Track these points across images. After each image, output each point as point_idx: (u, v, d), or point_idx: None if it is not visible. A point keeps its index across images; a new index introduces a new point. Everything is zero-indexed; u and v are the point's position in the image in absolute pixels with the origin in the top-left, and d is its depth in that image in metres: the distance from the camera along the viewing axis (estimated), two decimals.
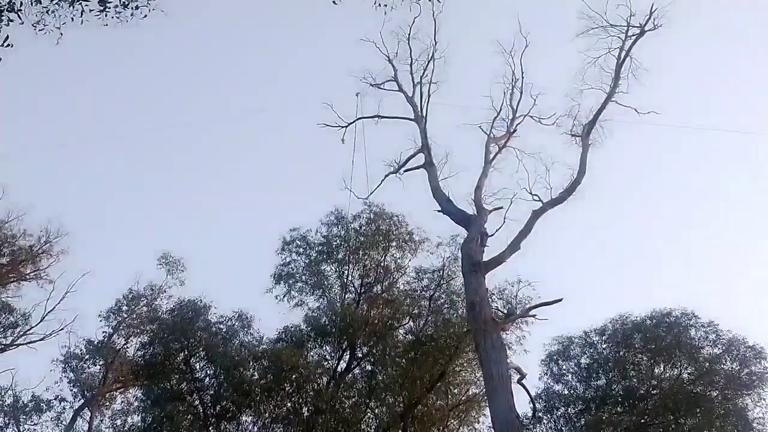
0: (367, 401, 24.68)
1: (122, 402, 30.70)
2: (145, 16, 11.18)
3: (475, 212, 19.26)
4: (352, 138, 23.15)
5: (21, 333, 29.86)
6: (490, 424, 15.78)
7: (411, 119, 22.46)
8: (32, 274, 30.50)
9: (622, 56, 19.49)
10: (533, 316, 18.70)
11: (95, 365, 31.00)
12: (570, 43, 20.05)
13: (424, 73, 22.64)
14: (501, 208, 19.62)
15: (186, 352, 24.87)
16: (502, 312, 22.26)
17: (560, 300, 16.62)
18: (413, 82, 23.09)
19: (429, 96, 21.87)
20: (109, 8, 10.63)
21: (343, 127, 23.08)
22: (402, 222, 28.33)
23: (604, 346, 25.80)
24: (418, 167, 21.53)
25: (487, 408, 17.24)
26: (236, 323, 26.41)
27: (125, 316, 30.84)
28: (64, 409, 29.96)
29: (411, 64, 23.11)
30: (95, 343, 30.81)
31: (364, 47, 23.11)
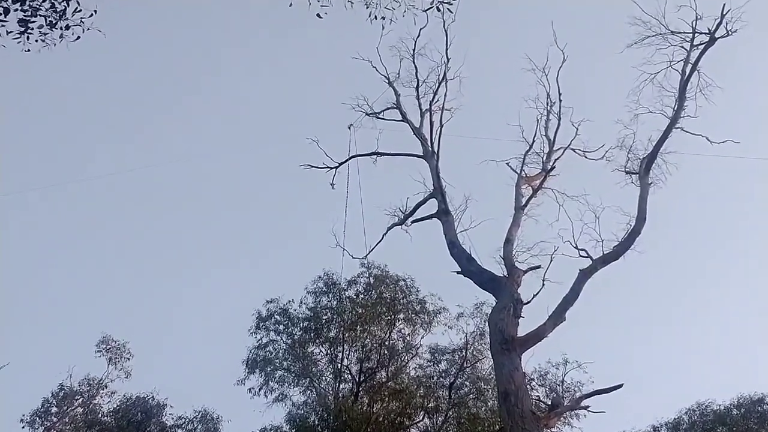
0: None
1: None
2: (78, 38, 11.11)
3: (506, 273, 19.34)
4: (345, 181, 23.48)
5: None
6: None
7: (419, 156, 22.74)
8: None
9: (688, 70, 19.43)
10: (586, 407, 17.97)
11: None
12: (620, 57, 20.15)
13: (434, 98, 22.94)
14: (539, 267, 19.57)
15: None
16: (545, 403, 22.31)
17: (620, 386, 16.33)
18: (421, 109, 23.51)
19: (441, 126, 21.91)
20: (32, 30, 10.65)
21: (332, 168, 23.41)
22: (411, 287, 28.59)
23: None
24: (429, 217, 21.68)
25: None
26: (199, 426, 25.93)
27: (55, 420, 30.19)
28: None
29: (417, 87, 23.51)
30: None
31: (358, 67, 23.60)
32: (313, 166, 23.38)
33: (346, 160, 23.70)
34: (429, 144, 22.45)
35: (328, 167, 23.53)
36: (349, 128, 23.95)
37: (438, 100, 22.98)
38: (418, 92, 23.70)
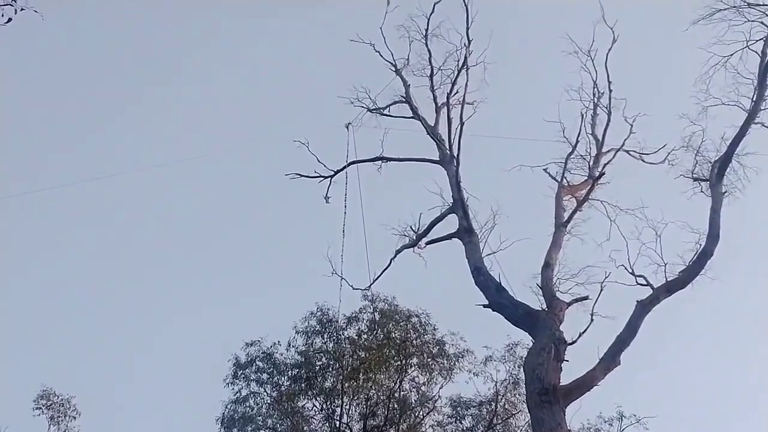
0: None
1: None
2: (10, 20, 10.97)
3: (544, 306, 19.33)
4: (342, 194, 23.62)
5: None
6: None
7: (434, 161, 22.81)
8: None
9: None
10: None
11: None
12: (684, 35, 20.03)
13: (452, 89, 22.70)
14: (586, 298, 19.54)
15: None
16: None
17: None
18: (436, 103, 23.53)
19: (462, 124, 21.26)
20: None
21: (326, 177, 23.48)
22: (426, 325, 28.49)
23: None
24: (449, 237, 21.65)
25: None
26: None
27: None
28: None
29: (431, 76, 23.54)
30: None
31: (358, 52, 23.59)
32: (302, 176, 23.27)
33: (344, 168, 23.79)
34: (447, 146, 22.32)
35: (321, 176, 23.48)
36: (347, 127, 24.08)
37: (457, 92, 22.76)
38: (432, 82, 23.65)
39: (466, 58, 22.38)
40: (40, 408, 29.80)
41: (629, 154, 22.95)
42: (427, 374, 27.66)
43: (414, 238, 22.23)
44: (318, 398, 27.40)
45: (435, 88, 23.63)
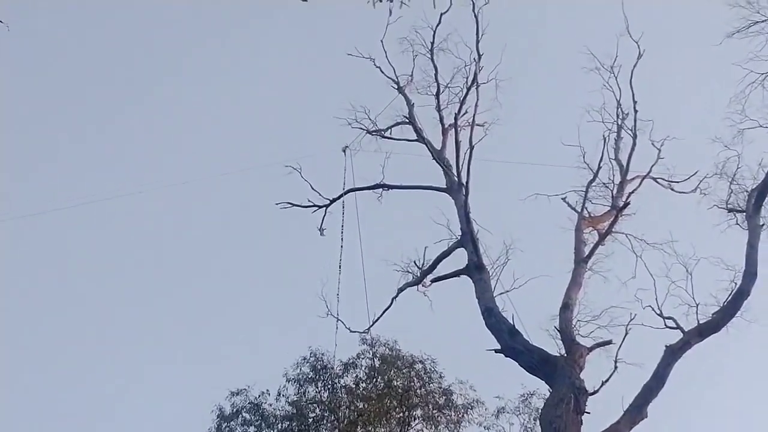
0: None
1: None
2: None
3: (563, 351, 19.30)
4: (339, 224, 23.49)
5: None
6: None
7: (441, 189, 22.83)
8: None
9: None
10: None
11: None
12: (717, 50, 20.09)
13: (461, 110, 22.82)
14: (610, 342, 19.59)
15: None
16: None
17: None
18: (443, 124, 23.62)
19: (471, 148, 21.01)
20: None
21: (321, 207, 23.46)
22: (431, 372, 28.31)
23: None
24: (456, 273, 21.57)
25: None
26: None
27: None
28: None
29: (438, 94, 23.65)
30: None
31: (357, 68, 24.07)
32: (294, 205, 23.26)
33: (341, 196, 23.69)
34: (454, 172, 22.25)
35: (315, 206, 23.40)
36: (344, 151, 24.14)
37: (466, 112, 22.92)
38: (438, 101, 23.76)
39: (476, 74, 22.54)
40: None
41: (657, 181, 23.02)
42: (433, 427, 27.37)
43: (418, 274, 22.08)
44: None
45: (441, 107, 23.73)
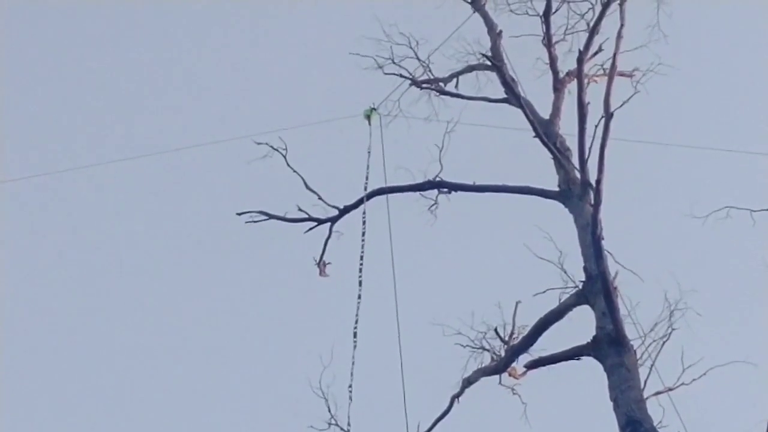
0: None
1: None
2: None
3: None
4: (352, 251, 17.68)
5: None
6: None
7: (548, 194, 17.29)
8: None
9: None
10: None
11: None
12: None
13: (589, 43, 17.01)
14: None
15: None
16: None
17: None
18: (555, 72, 18.40)
19: (610, 116, 14.94)
20: None
21: (323, 222, 18.06)
22: None
23: None
24: (574, 353, 15.57)
25: None
26: None
27: None
28: None
29: (547, 14, 17.93)
30: None
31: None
32: (271, 217, 17.89)
33: (359, 202, 17.97)
34: (575, 163, 16.65)
35: (310, 219, 17.90)
36: (369, 117, 18.68)
37: (601, 49, 17.67)
38: (548, 26, 17.89)
39: None
40: None
41: None
42: None
43: (501, 353, 16.30)
44: None
45: (554, 40, 18.13)
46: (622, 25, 16.43)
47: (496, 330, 16.20)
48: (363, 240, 17.34)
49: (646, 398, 14.58)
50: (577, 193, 16.44)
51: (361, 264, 17.07)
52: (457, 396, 16.40)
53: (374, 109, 18.70)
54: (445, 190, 17.73)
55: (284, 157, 17.63)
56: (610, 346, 14.68)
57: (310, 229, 17.91)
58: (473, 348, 16.43)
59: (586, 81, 16.67)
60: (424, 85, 19.00)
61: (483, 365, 16.39)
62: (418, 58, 18.86)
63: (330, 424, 15.82)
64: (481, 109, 18.80)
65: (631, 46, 17.76)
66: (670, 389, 14.94)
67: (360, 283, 16.82)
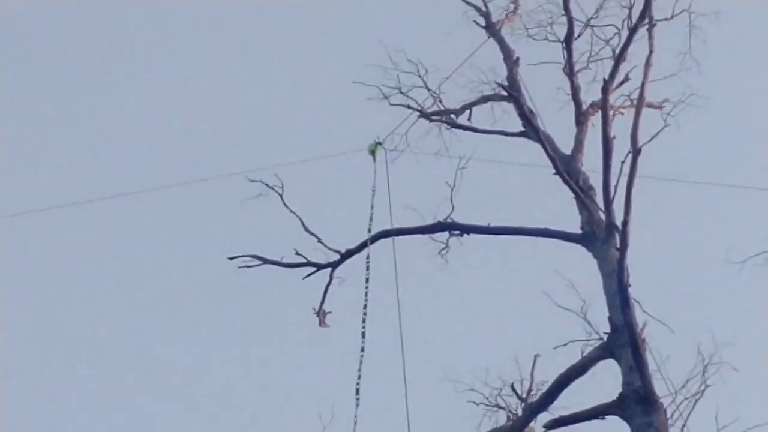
0: None
1: None
2: None
3: None
4: (351, 305, 17.55)
5: None
6: None
7: (569, 236, 16.74)
8: None
9: None
10: None
11: None
12: None
13: (615, 72, 16.87)
14: None
15: None
16: None
17: None
18: (577, 103, 17.92)
19: (638, 152, 14.67)
20: None
21: (322, 267, 17.46)
22: None
23: None
24: (599, 412, 14.74)
25: None
26: None
27: None
28: None
29: (568, 39, 17.69)
30: None
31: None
32: (268, 262, 17.12)
33: (362, 246, 17.27)
34: (600, 203, 15.86)
35: (309, 263, 17.20)
36: (373, 152, 18.03)
37: (627, 79, 17.34)
38: (570, 53, 17.49)
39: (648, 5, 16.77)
40: None
41: None
42: None
43: (519, 412, 15.99)
44: None
45: (576, 68, 17.67)
46: (650, 52, 16.05)
47: (512, 386, 15.82)
48: (367, 287, 16.70)
49: None
50: (602, 237, 15.88)
51: (365, 313, 16.37)
52: None
53: (379, 143, 18.13)
54: (457, 232, 17.14)
55: (280, 196, 17.07)
56: (637, 405, 14.02)
57: (309, 275, 17.40)
58: (488, 406, 15.88)
59: (611, 113, 16.02)
60: (433, 117, 18.54)
61: (498, 425, 15.79)
62: (427, 88, 18.44)
63: None
64: (497, 144, 18.52)
65: (661, 75, 17.42)
66: None
67: (363, 334, 16.09)
